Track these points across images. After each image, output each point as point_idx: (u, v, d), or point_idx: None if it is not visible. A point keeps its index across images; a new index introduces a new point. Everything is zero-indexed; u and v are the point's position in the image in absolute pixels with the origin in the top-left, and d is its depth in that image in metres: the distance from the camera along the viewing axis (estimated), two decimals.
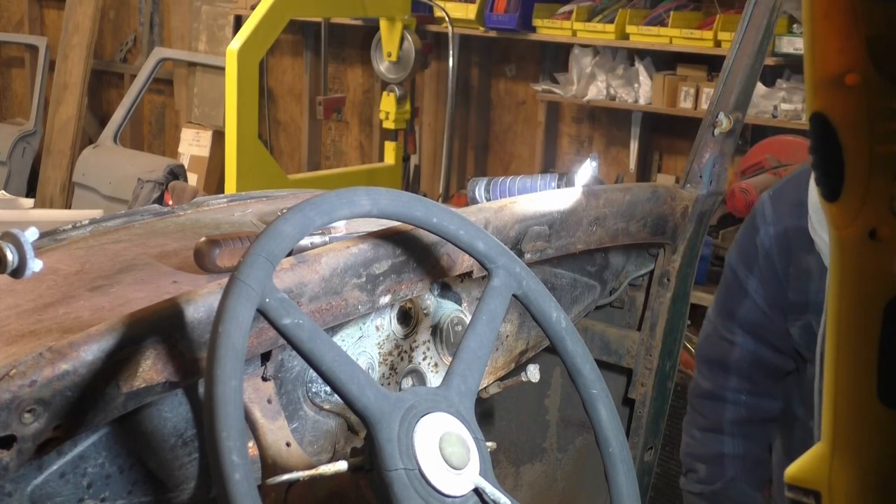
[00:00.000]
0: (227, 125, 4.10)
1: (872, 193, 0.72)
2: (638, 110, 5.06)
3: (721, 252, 4.15)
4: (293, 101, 6.52)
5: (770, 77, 4.56)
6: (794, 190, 1.88)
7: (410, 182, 5.25)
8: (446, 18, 5.05)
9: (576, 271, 1.80)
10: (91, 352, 1.07)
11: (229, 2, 6.40)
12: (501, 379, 1.66)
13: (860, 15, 0.68)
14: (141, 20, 7.01)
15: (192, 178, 5.91)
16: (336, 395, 1.17)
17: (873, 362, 0.77)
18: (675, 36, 4.63)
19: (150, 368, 1.11)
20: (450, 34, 5.06)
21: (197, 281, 1.37)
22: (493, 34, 5.26)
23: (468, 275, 1.49)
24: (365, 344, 1.46)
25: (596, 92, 5.00)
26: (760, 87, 4.37)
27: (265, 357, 1.30)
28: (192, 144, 6.37)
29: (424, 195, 1.70)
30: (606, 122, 5.37)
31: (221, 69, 4.32)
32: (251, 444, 1.26)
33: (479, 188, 2.09)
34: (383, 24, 4.82)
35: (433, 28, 5.41)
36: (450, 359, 1.53)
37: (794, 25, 4.37)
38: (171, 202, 4.61)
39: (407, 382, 1.52)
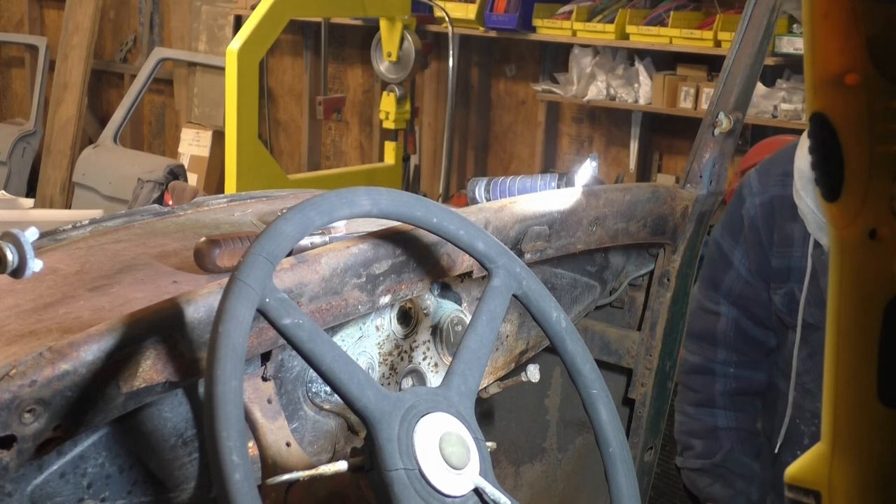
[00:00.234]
0: (227, 125, 4.10)
1: (872, 193, 0.72)
2: (638, 110, 5.06)
3: None
4: (293, 101, 6.52)
5: (770, 77, 4.56)
6: (781, 162, 1.93)
7: (410, 182, 5.25)
8: (446, 18, 5.05)
9: (576, 271, 1.80)
10: (91, 352, 1.07)
11: (229, 2, 6.40)
12: (501, 379, 1.66)
13: (860, 15, 0.68)
14: (141, 20, 7.01)
15: (192, 178, 5.92)
16: (336, 395, 1.17)
17: (873, 362, 0.77)
18: (675, 36, 4.63)
19: (150, 368, 1.11)
20: (450, 34, 5.06)
21: (197, 281, 1.37)
22: (493, 34, 5.26)
23: (468, 275, 1.49)
24: (365, 344, 1.46)
25: (596, 92, 5.00)
26: (760, 87, 4.37)
27: (265, 357, 1.30)
28: (192, 144, 6.37)
29: (424, 195, 1.70)
30: (606, 122, 5.37)
31: (221, 69, 4.33)
32: (251, 444, 1.26)
33: (479, 188, 2.08)
34: (383, 24, 4.82)
35: (433, 28, 5.41)
36: (450, 359, 1.53)
37: (794, 25, 4.37)
38: (171, 202, 4.61)
39: (407, 382, 1.52)
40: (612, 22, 4.81)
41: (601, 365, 1.49)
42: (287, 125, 6.60)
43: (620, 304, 1.95)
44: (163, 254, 1.50)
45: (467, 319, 1.51)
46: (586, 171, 1.95)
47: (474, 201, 2.04)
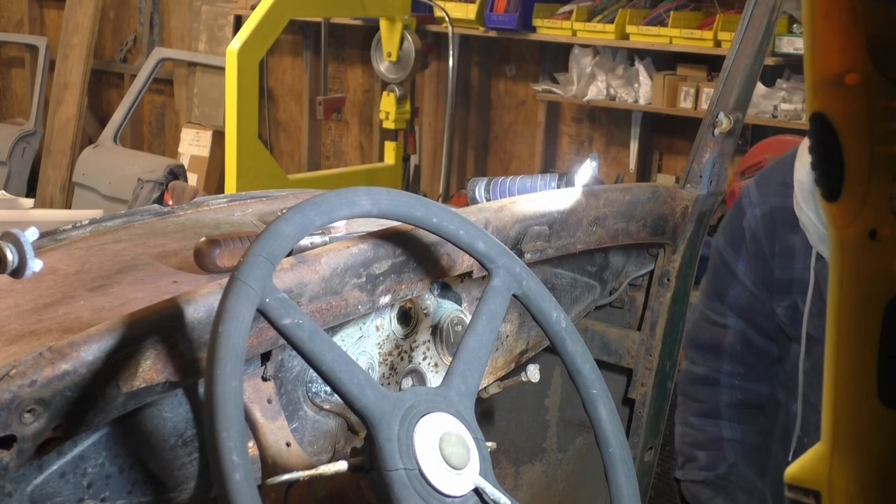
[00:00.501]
0: (227, 125, 4.10)
1: (872, 193, 0.72)
2: (638, 110, 5.06)
3: None
4: (293, 101, 6.52)
5: (770, 77, 4.56)
6: (780, 172, 1.91)
7: (410, 182, 5.25)
8: (446, 18, 5.05)
9: (576, 271, 1.80)
10: (91, 352, 1.07)
11: (229, 2, 6.40)
12: (501, 379, 1.66)
13: (860, 15, 0.68)
14: (141, 20, 7.01)
15: (192, 178, 5.92)
16: (336, 395, 1.17)
17: (873, 362, 0.77)
18: (675, 36, 4.63)
19: (150, 368, 1.11)
20: (450, 34, 5.06)
21: (197, 281, 1.37)
22: (493, 34, 5.26)
23: (468, 275, 1.49)
24: (365, 344, 1.46)
25: (596, 92, 5.00)
26: (760, 87, 4.37)
27: (265, 357, 1.30)
28: (192, 144, 6.37)
29: (424, 195, 1.70)
30: (606, 122, 5.37)
31: (221, 69, 4.33)
32: (251, 444, 1.26)
33: (479, 188, 2.08)
34: (383, 24, 4.82)
35: (433, 28, 5.41)
36: (450, 359, 1.53)
37: (794, 25, 4.37)
38: (171, 202, 4.61)
39: (407, 382, 1.52)
40: (612, 22, 4.81)
41: (601, 365, 1.49)
42: (287, 125, 6.60)
43: (620, 304, 1.95)
44: (163, 254, 1.50)
45: (467, 319, 1.51)
46: (586, 171, 1.95)
47: (474, 201, 2.04)
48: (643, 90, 4.88)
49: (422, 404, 1.13)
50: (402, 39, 4.83)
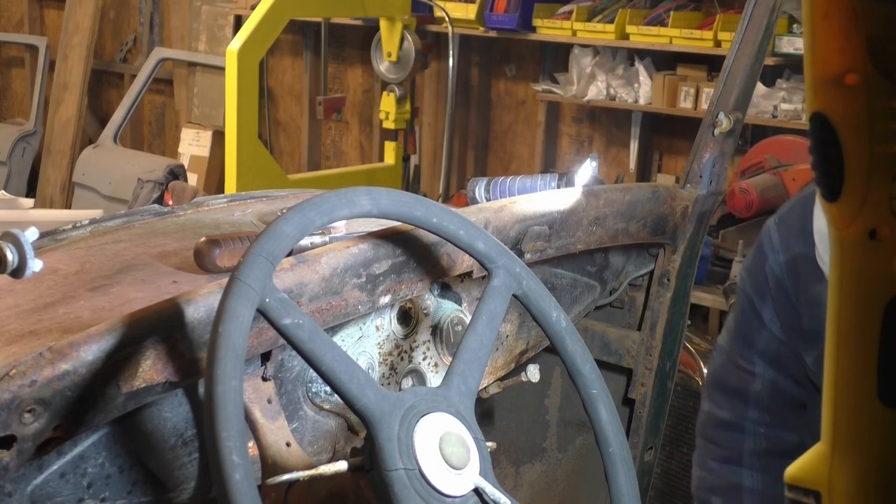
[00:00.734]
0: (227, 125, 4.10)
1: (872, 193, 0.72)
2: (638, 110, 5.06)
3: (721, 252, 4.16)
4: (293, 101, 6.52)
5: (770, 77, 4.56)
6: (800, 216, 1.82)
7: (410, 182, 5.25)
8: (446, 18, 5.05)
9: (576, 271, 1.80)
10: (91, 352, 1.07)
11: (229, 2, 6.40)
12: (501, 379, 1.66)
13: (860, 15, 0.68)
14: (141, 20, 7.01)
15: (192, 178, 5.91)
16: (336, 395, 1.17)
17: (873, 362, 0.77)
18: (675, 36, 4.63)
19: (150, 368, 1.11)
20: (450, 34, 5.06)
21: (197, 281, 1.37)
22: (493, 34, 5.26)
23: (468, 275, 1.50)
24: (365, 344, 1.46)
25: (596, 92, 5.00)
26: (760, 87, 4.37)
27: (265, 357, 1.30)
28: (192, 144, 6.37)
29: (424, 195, 1.70)
30: (606, 122, 5.37)
31: (221, 69, 4.32)
32: (251, 444, 1.26)
33: (479, 188, 2.09)
34: (383, 24, 4.82)
35: (433, 28, 5.41)
36: (450, 359, 1.53)
37: (794, 25, 4.37)
38: (171, 202, 4.61)
39: (407, 382, 1.52)
40: (612, 22, 4.81)
41: (601, 365, 1.49)
42: (287, 125, 6.60)
43: (620, 304, 1.95)
44: (163, 254, 1.50)
45: (467, 319, 1.51)
46: (586, 171, 1.95)
47: (474, 201, 2.05)
48: (643, 90, 4.87)
49: (422, 404, 1.13)
50: (402, 39, 4.83)
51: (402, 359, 1.51)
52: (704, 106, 4.57)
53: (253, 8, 4.37)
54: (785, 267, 1.81)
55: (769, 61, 4.23)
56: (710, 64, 4.74)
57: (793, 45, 4.29)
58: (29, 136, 6.42)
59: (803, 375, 1.84)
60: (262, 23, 4.00)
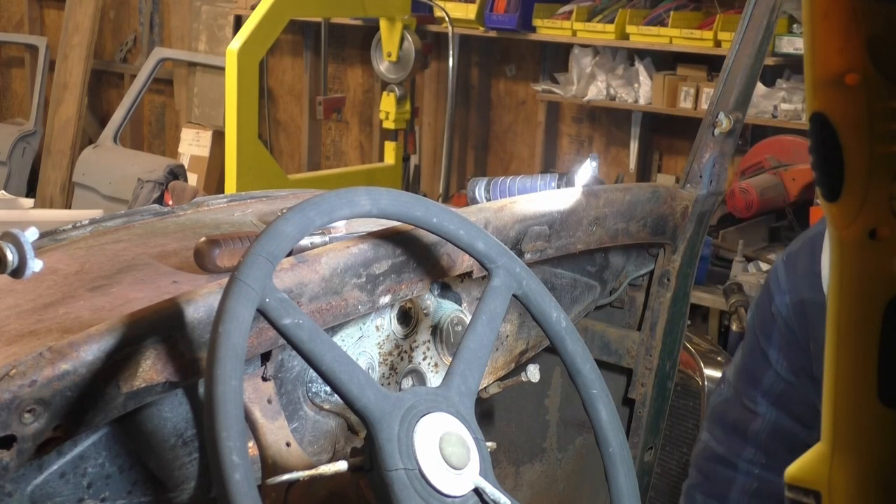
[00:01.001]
0: (227, 125, 4.10)
1: (872, 193, 0.72)
2: (638, 110, 5.06)
3: (721, 252, 4.15)
4: (293, 101, 6.52)
5: (770, 77, 4.56)
6: (808, 257, 1.79)
7: (410, 182, 5.25)
8: (446, 18, 5.05)
9: (576, 271, 1.80)
10: (91, 352, 1.07)
11: (229, 2, 6.40)
12: (501, 379, 1.66)
13: (860, 15, 0.68)
14: (141, 20, 7.01)
15: (192, 178, 5.91)
16: (336, 395, 1.17)
17: (873, 362, 0.77)
18: (675, 36, 4.63)
19: (150, 368, 1.11)
20: (450, 34, 5.06)
21: (197, 281, 1.37)
22: (493, 34, 5.26)
23: (468, 275, 1.50)
24: (365, 344, 1.46)
25: (596, 92, 5.00)
26: (760, 87, 4.37)
27: (265, 357, 1.30)
28: (192, 144, 6.37)
29: (424, 195, 1.70)
30: (606, 122, 5.37)
31: (221, 69, 4.32)
32: (251, 444, 1.26)
33: (479, 188, 2.09)
34: (383, 24, 4.82)
35: (433, 28, 5.41)
36: (450, 359, 1.53)
37: (794, 25, 4.37)
38: (171, 202, 4.61)
39: (407, 382, 1.52)
40: (612, 22, 4.81)
41: (601, 365, 1.49)
42: (287, 125, 6.60)
43: (620, 304, 1.95)
44: (163, 254, 1.50)
45: (467, 319, 1.51)
46: (586, 171, 1.95)
47: (474, 201, 2.05)
48: (643, 90, 4.87)
49: (422, 404, 1.13)
50: (402, 39, 4.83)
51: (402, 359, 1.51)
52: (704, 106, 4.57)
53: (253, 8, 4.37)
54: (792, 309, 1.76)
55: (769, 61, 4.23)
56: (710, 64, 4.74)
57: (793, 45, 4.29)
58: (29, 136, 6.42)
59: (808, 414, 1.80)
60: (262, 23, 4.00)
